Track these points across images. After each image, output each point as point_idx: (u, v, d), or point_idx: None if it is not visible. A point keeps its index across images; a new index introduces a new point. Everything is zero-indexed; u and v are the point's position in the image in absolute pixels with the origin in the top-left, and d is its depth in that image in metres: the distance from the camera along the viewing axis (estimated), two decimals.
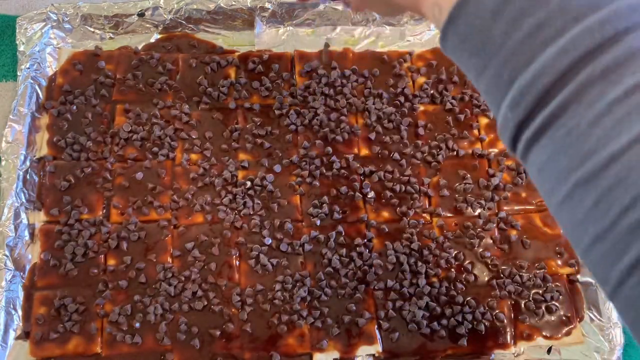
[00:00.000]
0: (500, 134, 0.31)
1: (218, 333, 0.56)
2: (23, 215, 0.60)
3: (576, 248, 0.29)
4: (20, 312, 0.57)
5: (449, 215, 0.62)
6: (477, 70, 0.31)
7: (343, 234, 0.60)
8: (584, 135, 0.27)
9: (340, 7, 0.67)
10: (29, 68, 0.65)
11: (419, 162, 0.64)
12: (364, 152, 0.64)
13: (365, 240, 0.60)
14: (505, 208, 0.62)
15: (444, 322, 0.57)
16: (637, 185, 0.26)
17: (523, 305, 0.59)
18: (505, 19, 0.29)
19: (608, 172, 0.26)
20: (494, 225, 0.62)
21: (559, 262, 0.60)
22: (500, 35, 0.30)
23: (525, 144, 0.30)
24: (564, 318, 0.58)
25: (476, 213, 0.62)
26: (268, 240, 0.60)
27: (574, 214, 0.28)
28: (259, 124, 0.65)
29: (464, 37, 0.31)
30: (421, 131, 0.65)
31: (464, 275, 0.59)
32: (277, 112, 0.65)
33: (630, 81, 0.26)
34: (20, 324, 0.56)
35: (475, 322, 0.57)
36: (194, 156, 0.63)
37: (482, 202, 0.62)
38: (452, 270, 0.60)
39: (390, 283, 0.58)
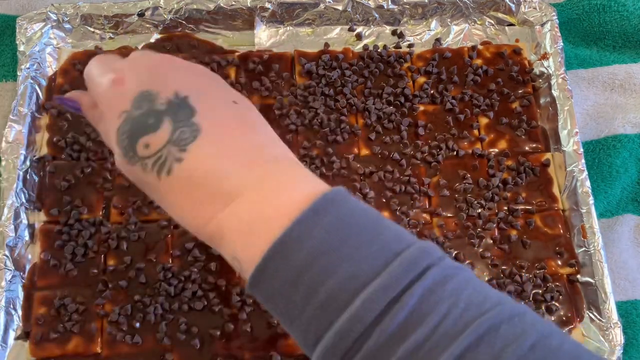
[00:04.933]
0: None
1: (218, 333, 0.56)
2: (23, 216, 0.60)
3: None
4: (20, 312, 0.57)
5: (449, 215, 0.62)
6: (285, 324, 0.35)
7: None
8: None
9: None
10: (28, 68, 0.65)
11: (419, 162, 0.64)
12: (364, 152, 0.64)
13: None
14: (505, 208, 0.62)
15: None
16: None
17: None
18: (303, 287, 0.33)
19: None
20: (494, 225, 0.62)
21: (559, 262, 0.60)
22: (300, 301, 0.33)
23: None
24: (564, 318, 0.58)
25: (476, 213, 0.62)
26: None
27: None
28: None
29: (268, 297, 0.35)
30: (421, 131, 0.65)
31: None
32: (277, 112, 0.65)
33: (411, 340, 0.30)
34: (20, 324, 0.56)
35: None
36: None
37: (482, 202, 0.62)
38: None
39: None
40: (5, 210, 0.59)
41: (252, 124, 0.40)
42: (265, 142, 0.39)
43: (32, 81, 0.65)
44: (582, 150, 0.63)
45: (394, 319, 0.31)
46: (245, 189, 0.36)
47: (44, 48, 0.67)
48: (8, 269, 0.57)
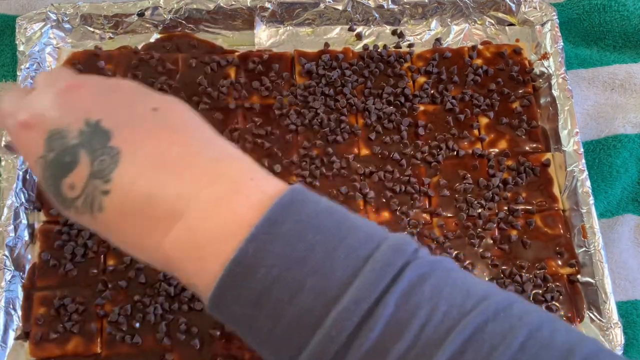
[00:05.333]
0: None
1: (218, 333, 0.56)
2: (23, 216, 0.60)
3: None
4: (20, 312, 0.57)
5: (449, 215, 0.62)
6: (253, 345, 0.32)
7: None
8: None
9: None
10: (28, 68, 0.65)
11: (419, 162, 0.64)
12: (364, 152, 0.64)
13: None
14: (505, 208, 0.62)
15: None
16: None
17: None
18: (267, 308, 0.30)
19: None
20: (494, 225, 0.61)
21: (559, 262, 0.60)
22: (265, 323, 0.30)
23: None
24: (564, 318, 0.58)
25: (476, 213, 0.62)
26: None
27: None
28: (259, 124, 0.65)
29: (231, 321, 0.32)
30: (421, 131, 0.65)
31: None
32: (277, 112, 0.65)
33: (394, 355, 0.28)
34: (20, 324, 0.56)
35: None
36: None
37: (482, 202, 0.62)
38: None
39: None
40: (5, 210, 0.59)
41: (178, 128, 0.35)
42: (198, 145, 0.35)
43: (32, 81, 0.65)
44: (582, 150, 0.63)
45: (370, 333, 0.29)
46: (185, 207, 0.32)
47: (43, 48, 0.67)
48: (8, 269, 0.57)
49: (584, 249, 0.60)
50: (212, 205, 0.32)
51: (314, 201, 0.32)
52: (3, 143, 0.61)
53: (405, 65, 0.68)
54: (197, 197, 0.32)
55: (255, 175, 0.34)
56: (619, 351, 0.56)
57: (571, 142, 0.64)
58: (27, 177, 0.61)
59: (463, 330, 0.29)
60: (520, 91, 0.68)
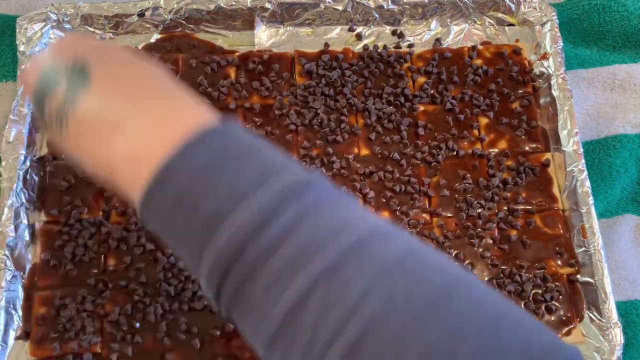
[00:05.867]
0: (206, 296, 0.36)
1: (218, 333, 0.56)
2: (23, 216, 0.60)
3: None
4: (20, 312, 0.57)
5: (449, 215, 0.62)
6: (175, 249, 0.36)
7: None
8: (260, 305, 0.32)
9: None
10: None
11: (419, 162, 0.64)
12: (364, 152, 0.64)
13: None
14: (505, 208, 0.62)
15: None
16: (302, 345, 0.30)
17: (523, 305, 0.59)
18: (185, 209, 0.34)
19: (281, 336, 0.31)
20: (494, 225, 0.62)
21: (559, 262, 0.60)
22: (183, 223, 0.34)
23: (225, 310, 0.34)
24: (563, 318, 0.58)
25: (476, 213, 0.62)
26: None
27: None
28: (259, 124, 0.65)
29: (156, 223, 0.36)
30: (421, 131, 0.65)
31: None
32: (277, 112, 0.65)
33: (285, 256, 0.31)
34: (20, 324, 0.56)
35: None
36: None
37: (482, 202, 0.62)
38: None
39: None
40: (6, 210, 0.59)
41: (147, 77, 0.41)
42: (156, 84, 0.40)
43: None
44: (582, 150, 0.63)
45: (267, 235, 0.32)
46: (127, 119, 0.37)
47: (44, 48, 0.67)
48: (8, 269, 0.57)
49: (583, 248, 0.60)
50: (153, 120, 0.37)
51: (246, 132, 0.37)
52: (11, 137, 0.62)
53: (405, 65, 0.69)
54: (139, 113, 0.38)
55: (197, 106, 0.39)
56: (618, 351, 0.56)
57: (571, 142, 0.64)
58: (28, 177, 0.61)
59: (350, 237, 0.32)
60: (520, 91, 0.68)
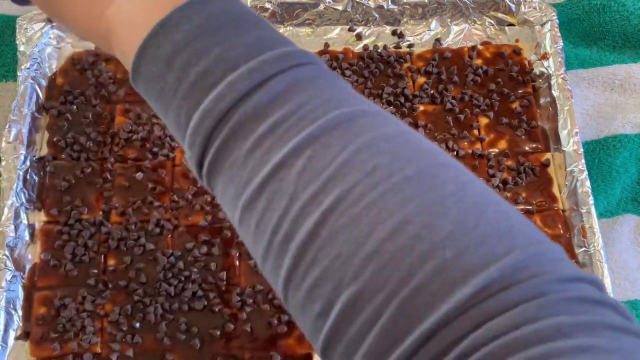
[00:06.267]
0: (189, 166, 0.35)
1: (218, 333, 0.56)
2: (23, 216, 0.60)
3: (257, 262, 0.33)
4: (20, 312, 0.57)
5: None
6: (162, 113, 0.35)
7: None
8: (242, 167, 0.32)
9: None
10: (29, 68, 0.65)
11: None
12: None
13: None
14: None
15: None
16: (280, 207, 0.30)
17: None
18: (176, 68, 0.33)
19: (261, 197, 0.31)
20: None
21: None
22: (173, 82, 0.33)
23: (206, 177, 0.34)
24: None
25: None
26: None
27: (247, 236, 0.33)
28: None
29: (147, 84, 0.35)
30: (421, 131, 0.65)
31: None
32: None
33: (272, 119, 0.31)
34: (20, 324, 0.56)
35: None
36: None
37: None
38: None
39: None
40: (5, 210, 0.59)
41: None
42: None
43: (32, 81, 0.65)
44: (582, 150, 0.63)
45: (256, 100, 0.32)
46: None
47: (44, 48, 0.67)
48: (8, 269, 0.57)
49: (583, 249, 0.60)
50: None
51: (244, 5, 0.36)
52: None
53: (405, 65, 0.69)
54: None
55: None
56: None
57: (571, 142, 0.64)
58: (28, 177, 0.61)
59: (338, 116, 0.31)
60: (520, 91, 0.68)
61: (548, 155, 0.65)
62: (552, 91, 0.66)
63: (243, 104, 0.32)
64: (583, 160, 0.63)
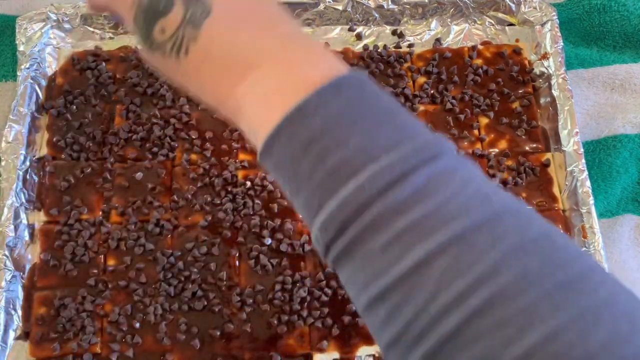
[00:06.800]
0: (314, 246, 0.35)
1: (218, 333, 0.56)
2: (23, 216, 0.60)
3: (380, 348, 0.34)
4: (20, 312, 0.57)
5: None
6: (292, 193, 0.35)
7: None
8: (377, 258, 0.32)
9: None
10: (28, 68, 0.65)
11: None
12: None
13: None
14: None
15: None
16: (418, 303, 0.30)
17: None
18: (313, 154, 0.33)
19: (396, 290, 0.31)
20: None
21: None
22: (308, 168, 0.33)
23: (333, 260, 0.34)
24: None
25: None
26: (268, 241, 0.60)
27: (373, 322, 0.33)
28: None
29: (278, 164, 0.35)
30: None
31: None
32: None
33: (412, 215, 0.31)
34: (20, 324, 0.56)
35: None
36: (193, 156, 0.63)
37: None
38: None
39: None
40: (5, 210, 0.59)
41: (265, 2, 0.39)
42: (279, 18, 0.39)
43: (32, 81, 0.65)
44: (582, 150, 0.63)
45: (397, 194, 0.31)
46: (262, 61, 0.36)
47: (43, 48, 0.67)
48: (8, 269, 0.57)
49: (584, 249, 0.60)
50: (287, 66, 0.36)
51: (378, 87, 0.36)
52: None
53: (405, 65, 0.68)
54: (274, 56, 0.36)
55: (327, 54, 0.38)
56: None
57: (571, 142, 0.64)
58: (27, 177, 0.61)
59: (481, 214, 0.31)
60: (520, 91, 0.68)
61: (548, 155, 0.65)
62: (553, 91, 0.66)
63: (382, 197, 0.31)
64: (583, 160, 0.63)
